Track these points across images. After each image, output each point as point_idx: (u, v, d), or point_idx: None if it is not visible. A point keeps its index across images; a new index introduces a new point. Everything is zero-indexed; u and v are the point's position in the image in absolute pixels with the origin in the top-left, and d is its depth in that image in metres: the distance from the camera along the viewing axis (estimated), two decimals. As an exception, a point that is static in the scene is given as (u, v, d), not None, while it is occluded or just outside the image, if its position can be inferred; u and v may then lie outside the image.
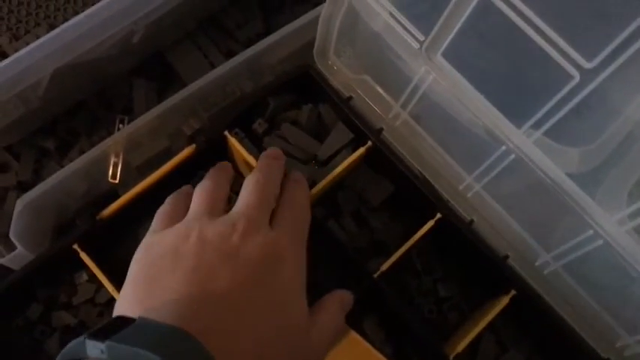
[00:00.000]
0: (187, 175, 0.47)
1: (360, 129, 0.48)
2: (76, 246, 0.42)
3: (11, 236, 0.39)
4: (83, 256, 0.42)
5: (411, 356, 0.48)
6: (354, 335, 0.47)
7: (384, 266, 0.44)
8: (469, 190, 0.46)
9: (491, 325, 0.47)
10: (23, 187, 0.47)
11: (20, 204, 0.39)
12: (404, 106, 0.46)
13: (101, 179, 0.48)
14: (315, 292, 0.47)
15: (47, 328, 0.43)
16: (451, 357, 0.42)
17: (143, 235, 0.42)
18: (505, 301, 0.44)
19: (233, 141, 0.47)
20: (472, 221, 0.46)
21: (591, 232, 0.38)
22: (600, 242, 0.38)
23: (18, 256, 0.40)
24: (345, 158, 0.47)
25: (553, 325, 0.44)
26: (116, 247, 0.45)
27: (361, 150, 0.47)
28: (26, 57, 0.37)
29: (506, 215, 0.44)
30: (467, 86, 0.40)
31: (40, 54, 0.37)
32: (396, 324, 0.47)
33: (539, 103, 0.36)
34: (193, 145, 0.47)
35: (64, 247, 0.42)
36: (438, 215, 0.46)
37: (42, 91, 0.41)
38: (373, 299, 0.46)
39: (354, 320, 0.47)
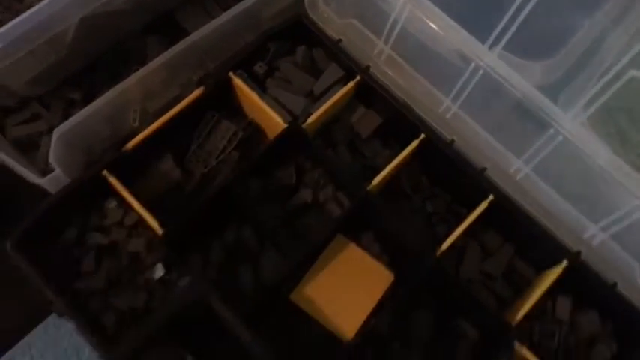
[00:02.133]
0: (198, 113, 0.53)
1: (350, 67, 0.54)
2: (105, 172, 0.48)
3: (51, 160, 0.45)
4: (112, 180, 0.48)
5: (402, 265, 0.53)
6: (353, 246, 0.52)
7: (376, 180, 0.50)
8: (448, 111, 0.51)
9: (474, 232, 0.52)
10: (55, 133, 0.54)
11: (56, 134, 0.45)
12: (386, 42, 0.52)
13: (122, 125, 0.54)
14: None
15: (83, 248, 0.49)
16: (438, 253, 0.48)
17: (162, 167, 0.48)
18: (484, 206, 0.50)
19: (237, 81, 0.53)
20: (453, 141, 0.52)
21: (552, 130, 0.44)
22: (560, 139, 0.44)
23: (55, 179, 0.46)
24: (337, 92, 0.53)
25: (527, 225, 0.49)
26: (139, 176, 0.51)
27: (351, 84, 0.53)
28: (54, 3, 0.43)
29: (482, 130, 0.50)
30: (437, 11, 0.45)
31: (67, 1, 0.43)
32: (390, 236, 0.52)
33: (498, 18, 0.42)
34: (202, 87, 0.53)
35: (94, 173, 0.48)
36: (422, 135, 0.51)
37: (69, 40, 0.48)
38: (368, 215, 0.52)
39: (352, 235, 0.53)
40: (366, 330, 0.47)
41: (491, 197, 0.50)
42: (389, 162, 0.52)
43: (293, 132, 0.51)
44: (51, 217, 0.47)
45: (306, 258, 0.51)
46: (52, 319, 0.57)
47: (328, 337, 0.49)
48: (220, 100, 0.54)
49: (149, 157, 0.52)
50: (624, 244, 0.46)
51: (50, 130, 0.54)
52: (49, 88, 0.54)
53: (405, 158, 0.52)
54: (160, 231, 0.47)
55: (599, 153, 0.43)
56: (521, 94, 0.45)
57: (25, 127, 0.54)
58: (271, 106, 0.52)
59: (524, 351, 0.46)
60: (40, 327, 0.56)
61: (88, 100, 0.56)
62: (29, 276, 0.45)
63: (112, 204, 0.50)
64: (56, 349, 0.56)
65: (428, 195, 0.55)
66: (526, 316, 0.48)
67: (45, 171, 0.49)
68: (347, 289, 0.51)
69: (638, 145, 0.45)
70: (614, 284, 0.48)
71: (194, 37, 0.53)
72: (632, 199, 0.43)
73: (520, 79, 0.45)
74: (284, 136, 0.51)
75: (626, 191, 0.43)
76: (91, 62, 0.56)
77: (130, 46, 0.58)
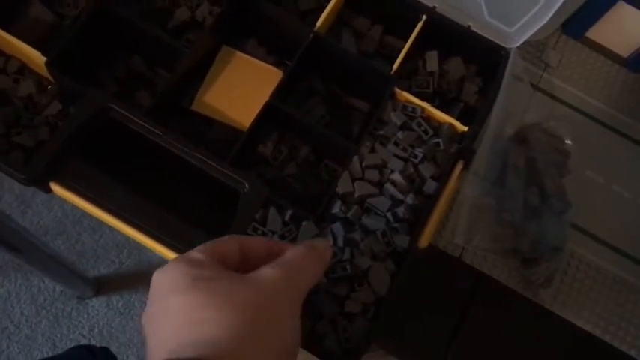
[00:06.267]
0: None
1: None
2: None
3: None
4: (-18, 22, 0.48)
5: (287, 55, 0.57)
6: (239, 54, 0.56)
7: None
8: None
9: (345, 19, 0.57)
10: None
11: None
12: None
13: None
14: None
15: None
16: (315, 28, 0.52)
17: (32, 12, 0.49)
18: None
19: None
20: None
21: None
22: None
23: None
24: None
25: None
26: (11, 27, 0.51)
27: None
28: None
29: None
30: None
31: None
32: (270, 31, 0.56)
33: None
34: None
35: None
36: None
37: None
38: (246, 19, 0.55)
39: (237, 46, 0.56)
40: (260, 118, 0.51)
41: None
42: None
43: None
44: None
45: (196, 69, 0.54)
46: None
47: (230, 130, 0.53)
48: None
49: (15, 6, 0.51)
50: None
51: None
52: None
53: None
54: (42, 59, 0.48)
55: None
56: None
57: None
58: None
59: (404, 94, 0.52)
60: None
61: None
62: None
63: (-10, 52, 0.50)
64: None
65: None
66: (403, 76, 0.54)
67: None
68: (241, 90, 0.55)
69: None
70: (469, 26, 0.54)
71: None
72: None
73: None
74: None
75: None
76: None
77: None
